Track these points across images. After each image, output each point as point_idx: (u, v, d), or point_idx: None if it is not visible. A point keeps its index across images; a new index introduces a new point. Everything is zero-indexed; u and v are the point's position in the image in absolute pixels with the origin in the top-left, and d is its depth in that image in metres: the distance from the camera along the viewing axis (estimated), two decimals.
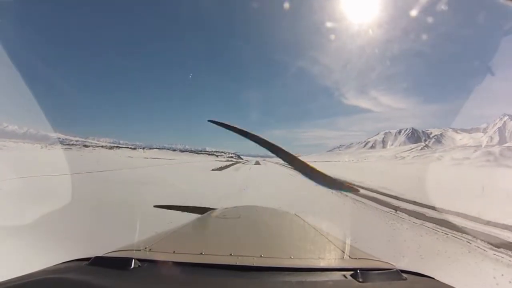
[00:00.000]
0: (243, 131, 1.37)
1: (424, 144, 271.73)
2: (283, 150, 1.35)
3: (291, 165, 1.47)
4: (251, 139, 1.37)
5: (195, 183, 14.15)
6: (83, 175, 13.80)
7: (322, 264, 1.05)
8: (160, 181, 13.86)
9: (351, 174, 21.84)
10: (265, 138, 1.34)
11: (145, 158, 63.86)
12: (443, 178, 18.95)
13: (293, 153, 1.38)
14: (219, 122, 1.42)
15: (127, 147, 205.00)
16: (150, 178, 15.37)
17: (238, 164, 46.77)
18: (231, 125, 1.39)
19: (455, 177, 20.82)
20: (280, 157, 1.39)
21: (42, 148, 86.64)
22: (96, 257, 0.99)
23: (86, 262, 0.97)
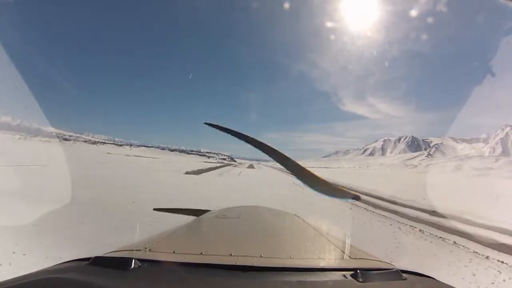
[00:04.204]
0: (239, 133, 1.36)
1: (428, 153, 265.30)
2: (279, 153, 1.32)
3: (287, 169, 1.42)
4: (247, 142, 1.35)
5: (150, 189, 10.40)
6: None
7: (322, 264, 1.03)
8: (93, 185, 9.40)
9: (381, 187, 15.38)
10: (262, 141, 1.33)
11: (126, 155, 57.72)
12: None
13: (291, 157, 1.31)
14: (215, 125, 1.41)
15: (113, 143, 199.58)
16: (84, 179, 10.94)
17: (227, 167, 40.16)
18: (227, 128, 1.38)
19: None
20: (276, 160, 1.38)
21: (19, 139, 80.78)
22: (96, 257, 0.96)
23: (86, 262, 0.95)
